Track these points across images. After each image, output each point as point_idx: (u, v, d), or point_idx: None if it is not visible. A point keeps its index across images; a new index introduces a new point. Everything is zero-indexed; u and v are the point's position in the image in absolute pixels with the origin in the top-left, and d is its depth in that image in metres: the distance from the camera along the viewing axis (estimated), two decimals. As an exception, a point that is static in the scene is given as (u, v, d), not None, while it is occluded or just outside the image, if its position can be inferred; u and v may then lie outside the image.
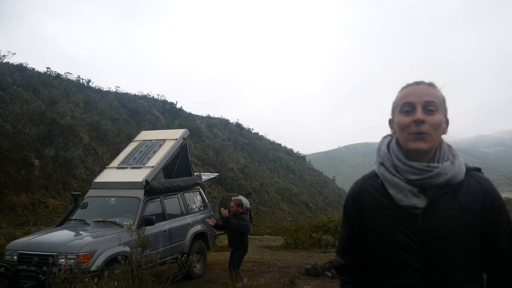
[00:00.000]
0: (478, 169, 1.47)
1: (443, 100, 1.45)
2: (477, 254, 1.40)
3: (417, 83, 1.45)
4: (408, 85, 1.47)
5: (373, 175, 1.52)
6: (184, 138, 8.61)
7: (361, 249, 1.56)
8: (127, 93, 59.38)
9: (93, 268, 5.62)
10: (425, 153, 1.40)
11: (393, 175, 1.42)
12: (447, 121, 1.46)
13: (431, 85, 1.45)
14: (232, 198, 8.89)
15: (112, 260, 5.83)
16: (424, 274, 1.37)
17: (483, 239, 1.39)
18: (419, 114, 1.38)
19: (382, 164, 1.47)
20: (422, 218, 1.38)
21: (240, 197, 9.21)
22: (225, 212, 6.70)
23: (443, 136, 1.46)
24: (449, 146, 1.47)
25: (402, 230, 1.40)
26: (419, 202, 1.37)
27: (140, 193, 7.08)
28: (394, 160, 1.43)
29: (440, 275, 1.37)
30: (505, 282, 1.40)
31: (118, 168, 7.93)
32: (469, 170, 1.44)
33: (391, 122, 1.52)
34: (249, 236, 7.39)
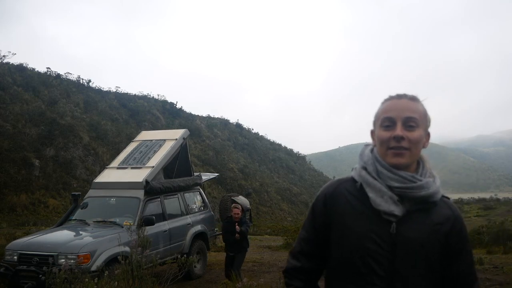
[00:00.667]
0: (448, 198, 1.52)
1: (424, 115, 1.45)
2: (439, 276, 1.42)
3: (399, 97, 1.46)
4: (391, 98, 1.47)
5: (350, 179, 1.51)
6: (184, 138, 8.62)
7: (320, 252, 1.52)
8: (127, 93, 59.36)
9: (93, 268, 5.62)
10: (404, 167, 1.41)
11: (375, 179, 1.42)
12: (428, 135, 1.48)
13: (413, 99, 1.45)
14: (233, 198, 8.91)
15: (112, 260, 5.83)
16: (388, 284, 1.37)
17: (445, 262, 1.42)
18: (399, 131, 1.39)
19: (364, 168, 1.47)
20: (395, 227, 1.38)
21: (240, 197, 9.23)
22: (238, 231, 6.57)
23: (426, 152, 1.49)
24: (430, 168, 1.50)
25: (372, 236, 1.39)
26: (397, 210, 1.38)
27: (140, 193, 7.08)
28: (378, 166, 1.43)
29: (404, 286, 1.37)
30: None
31: (118, 168, 7.93)
32: (442, 196, 1.48)
33: (372, 133, 1.52)
34: (249, 236, 7.43)
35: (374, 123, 1.50)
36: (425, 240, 1.38)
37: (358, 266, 1.40)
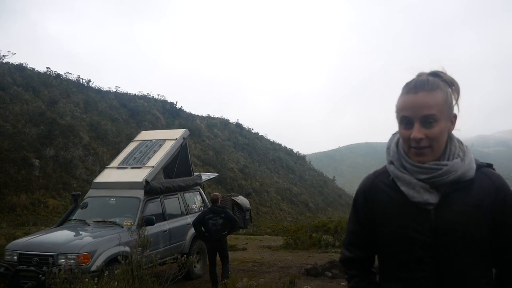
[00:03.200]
0: (489, 165, 1.47)
1: (444, 103, 1.38)
2: (487, 250, 1.40)
3: (416, 90, 1.38)
4: (408, 91, 1.41)
5: (385, 171, 1.52)
6: (184, 138, 8.62)
7: (369, 243, 1.56)
8: (127, 93, 59.37)
9: (93, 268, 5.62)
10: (429, 161, 1.40)
11: (403, 173, 1.43)
12: (454, 117, 1.43)
13: (431, 90, 1.37)
14: (233, 198, 8.91)
15: (112, 260, 5.83)
16: (436, 269, 1.39)
17: (494, 235, 1.39)
18: (416, 133, 1.36)
19: (392, 162, 1.48)
20: (434, 214, 1.38)
21: (240, 197, 9.23)
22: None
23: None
24: (459, 142, 1.47)
25: (414, 226, 1.40)
26: (432, 197, 1.38)
27: (140, 193, 7.08)
28: (403, 161, 1.44)
29: (452, 269, 1.38)
30: None
31: (118, 168, 7.93)
32: (480, 166, 1.44)
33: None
34: (249, 236, 7.42)
35: (396, 114, 1.46)
36: (466, 220, 1.37)
37: (404, 256, 1.42)
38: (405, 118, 1.40)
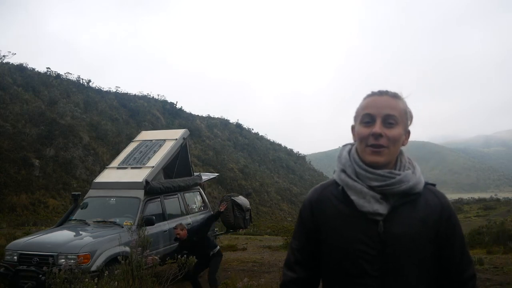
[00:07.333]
0: (433, 185, 1.49)
1: (404, 113, 1.44)
2: (433, 266, 1.41)
3: (381, 94, 1.45)
4: (372, 94, 1.47)
5: (333, 183, 1.51)
6: (184, 138, 8.62)
7: (313, 260, 1.51)
8: (127, 93, 59.30)
9: (93, 268, 5.62)
10: (382, 166, 1.40)
11: (355, 181, 1.42)
12: (408, 133, 1.47)
13: (395, 96, 1.44)
14: (233, 198, 8.90)
15: (112, 260, 5.83)
16: (382, 283, 1.37)
17: (438, 251, 1.41)
18: (377, 128, 1.39)
19: (343, 171, 1.47)
20: (382, 226, 1.37)
21: (240, 197, 9.22)
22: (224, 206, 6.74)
23: (404, 148, 1.48)
24: (409, 158, 1.49)
25: (361, 238, 1.38)
26: (381, 208, 1.37)
27: (140, 193, 7.08)
28: (356, 167, 1.43)
29: (398, 283, 1.36)
30: None
31: (118, 168, 7.93)
32: (426, 183, 1.46)
33: (353, 129, 1.51)
34: (249, 236, 7.37)
35: (355, 118, 1.50)
36: (414, 233, 1.37)
37: (349, 269, 1.40)
38: (368, 116, 1.42)
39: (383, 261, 1.37)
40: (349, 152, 1.50)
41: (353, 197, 1.40)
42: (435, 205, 1.42)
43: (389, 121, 1.40)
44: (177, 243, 6.48)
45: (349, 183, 1.42)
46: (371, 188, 1.38)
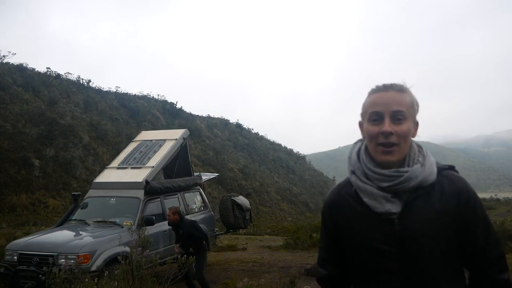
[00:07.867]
0: (451, 167, 1.46)
1: (411, 105, 1.43)
2: (456, 254, 1.39)
3: (386, 89, 1.43)
4: (378, 90, 1.45)
5: (348, 183, 1.52)
6: (184, 138, 8.62)
7: (340, 258, 1.54)
8: (127, 93, 59.28)
9: (93, 268, 5.63)
10: (394, 165, 1.40)
11: (365, 183, 1.42)
12: (416, 124, 1.46)
13: (400, 90, 1.42)
14: (233, 198, 8.91)
15: (112, 260, 5.84)
16: (405, 279, 1.37)
17: (460, 237, 1.38)
18: (387, 126, 1.38)
19: (353, 172, 1.47)
20: (398, 223, 1.37)
21: (240, 197, 9.23)
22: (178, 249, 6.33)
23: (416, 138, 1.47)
24: (419, 146, 1.47)
25: (379, 237, 1.39)
26: (394, 207, 1.37)
27: (140, 193, 7.09)
28: (365, 169, 1.43)
29: (420, 277, 1.36)
30: (485, 277, 1.39)
31: (118, 168, 7.94)
32: (441, 169, 1.43)
33: (361, 125, 1.51)
34: (249, 236, 7.34)
35: (362, 115, 1.49)
36: (431, 226, 1.36)
37: (371, 267, 1.41)
38: (375, 114, 1.40)
39: (403, 258, 1.37)
40: (358, 152, 1.50)
41: (365, 199, 1.42)
42: (451, 192, 1.38)
43: (397, 117, 1.38)
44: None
45: (359, 185, 1.44)
46: (382, 188, 1.39)
